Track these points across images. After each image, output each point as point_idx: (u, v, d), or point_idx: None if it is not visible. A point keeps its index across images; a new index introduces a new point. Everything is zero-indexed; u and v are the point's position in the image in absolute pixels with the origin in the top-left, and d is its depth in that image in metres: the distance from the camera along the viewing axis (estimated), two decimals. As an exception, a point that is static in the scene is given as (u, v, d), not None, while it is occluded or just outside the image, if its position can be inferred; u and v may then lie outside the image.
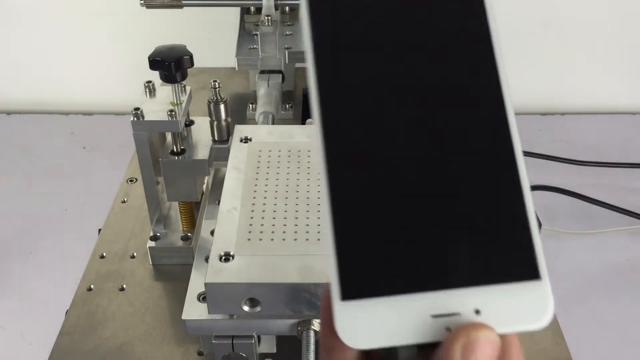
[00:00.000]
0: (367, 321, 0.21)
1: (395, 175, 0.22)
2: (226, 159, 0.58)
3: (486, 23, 0.24)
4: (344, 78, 0.23)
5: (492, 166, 0.22)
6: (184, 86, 0.59)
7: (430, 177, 0.22)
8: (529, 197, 0.22)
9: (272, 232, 0.48)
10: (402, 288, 0.21)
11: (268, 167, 0.54)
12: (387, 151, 0.22)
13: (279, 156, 0.56)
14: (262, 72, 0.79)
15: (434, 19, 0.24)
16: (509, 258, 0.21)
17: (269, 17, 0.74)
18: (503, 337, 0.22)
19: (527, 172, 0.22)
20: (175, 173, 0.60)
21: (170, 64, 0.56)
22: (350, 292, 0.21)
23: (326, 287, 0.22)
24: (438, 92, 0.23)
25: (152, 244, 0.63)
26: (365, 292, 0.21)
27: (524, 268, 0.21)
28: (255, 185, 0.53)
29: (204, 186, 0.67)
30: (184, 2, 0.78)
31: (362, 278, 0.21)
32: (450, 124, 0.23)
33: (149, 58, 0.56)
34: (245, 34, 0.82)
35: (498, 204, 0.22)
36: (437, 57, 0.23)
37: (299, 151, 0.56)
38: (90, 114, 1.25)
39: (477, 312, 0.21)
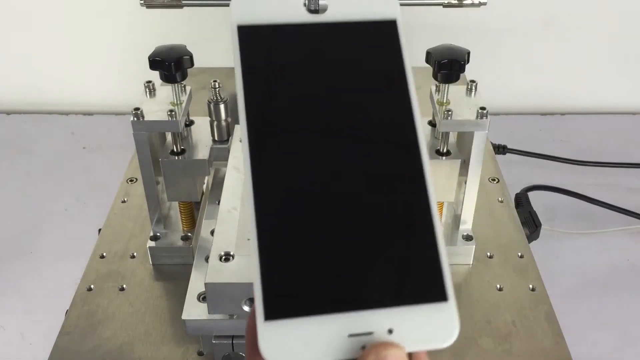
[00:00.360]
0: (288, 340, 0.22)
1: (316, 205, 0.24)
2: (226, 159, 0.58)
3: (405, 79, 0.26)
4: (271, 118, 0.25)
5: (405, 199, 0.24)
6: (184, 86, 0.59)
7: (348, 208, 0.24)
8: (439, 226, 0.24)
9: (272, 232, 0.48)
10: (321, 309, 0.22)
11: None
12: (308, 184, 0.24)
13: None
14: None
15: (357, 68, 0.26)
16: (420, 282, 0.23)
17: (269, 17, 0.74)
18: (413, 355, 0.24)
19: (436, 203, 0.24)
20: (175, 173, 0.60)
21: (170, 64, 0.56)
22: (273, 313, 0.22)
23: (253, 308, 0.24)
24: (358, 128, 0.25)
25: (152, 244, 0.63)
26: (287, 313, 0.22)
27: (432, 291, 0.23)
28: (255, 185, 0.53)
29: (204, 186, 0.67)
30: (184, 2, 0.78)
31: (284, 300, 0.23)
32: (367, 161, 0.24)
33: (149, 58, 0.56)
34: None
35: (410, 232, 0.24)
36: (358, 101, 0.25)
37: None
38: (90, 114, 1.25)
39: (390, 331, 0.23)
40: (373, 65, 0.26)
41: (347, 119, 0.25)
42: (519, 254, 0.64)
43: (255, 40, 0.25)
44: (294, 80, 0.25)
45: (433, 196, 0.24)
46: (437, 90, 0.59)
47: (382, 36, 0.26)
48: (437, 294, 0.23)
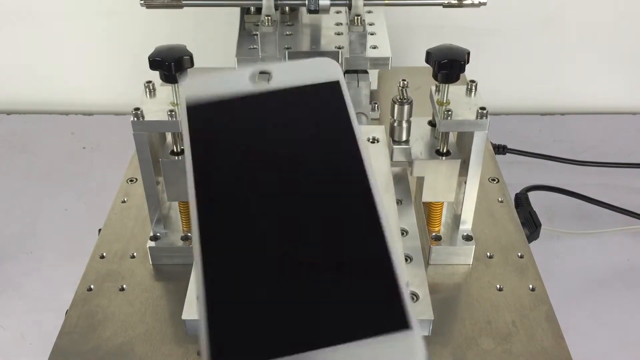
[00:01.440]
0: None
1: (265, 247, 0.23)
2: (226, 159, 0.58)
3: (354, 137, 0.25)
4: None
5: (360, 234, 0.23)
6: (184, 86, 0.59)
7: (299, 249, 0.23)
8: (399, 262, 0.23)
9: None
10: (275, 352, 0.21)
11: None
12: (254, 225, 0.23)
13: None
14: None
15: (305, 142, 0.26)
16: (381, 312, 0.22)
17: (269, 17, 0.74)
18: None
19: (389, 226, 0.23)
20: (175, 173, 0.60)
21: (170, 64, 0.56)
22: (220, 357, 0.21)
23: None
24: (308, 187, 0.25)
25: (152, 244, 0.63)
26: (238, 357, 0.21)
27: (395, 320, 0.22)
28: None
29: (204, 186, 0.67)
30: (184, 2, 0.78)
31: (234, 344, 0.21)
32: (317, 199, 0.24)
33: (149, 58, 0.56)
34: (245, 34, 0.82)
35: (367, 265, 0.23)
36: (307, 166, 0.25)
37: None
38: (90, 114, 1.25)
39: None
40: (320, 128, 0.26)
41: (297, 182, 0.25)
42: (519, 254, 0.64)
43: (205, 116, 0.25)
44: (244, 152, 0.25)
45: (387, 227, 0.23)
46: (437, 90, 0.59)
47: (326, 98, 0.26)
48: (400, 322, 0.22)
